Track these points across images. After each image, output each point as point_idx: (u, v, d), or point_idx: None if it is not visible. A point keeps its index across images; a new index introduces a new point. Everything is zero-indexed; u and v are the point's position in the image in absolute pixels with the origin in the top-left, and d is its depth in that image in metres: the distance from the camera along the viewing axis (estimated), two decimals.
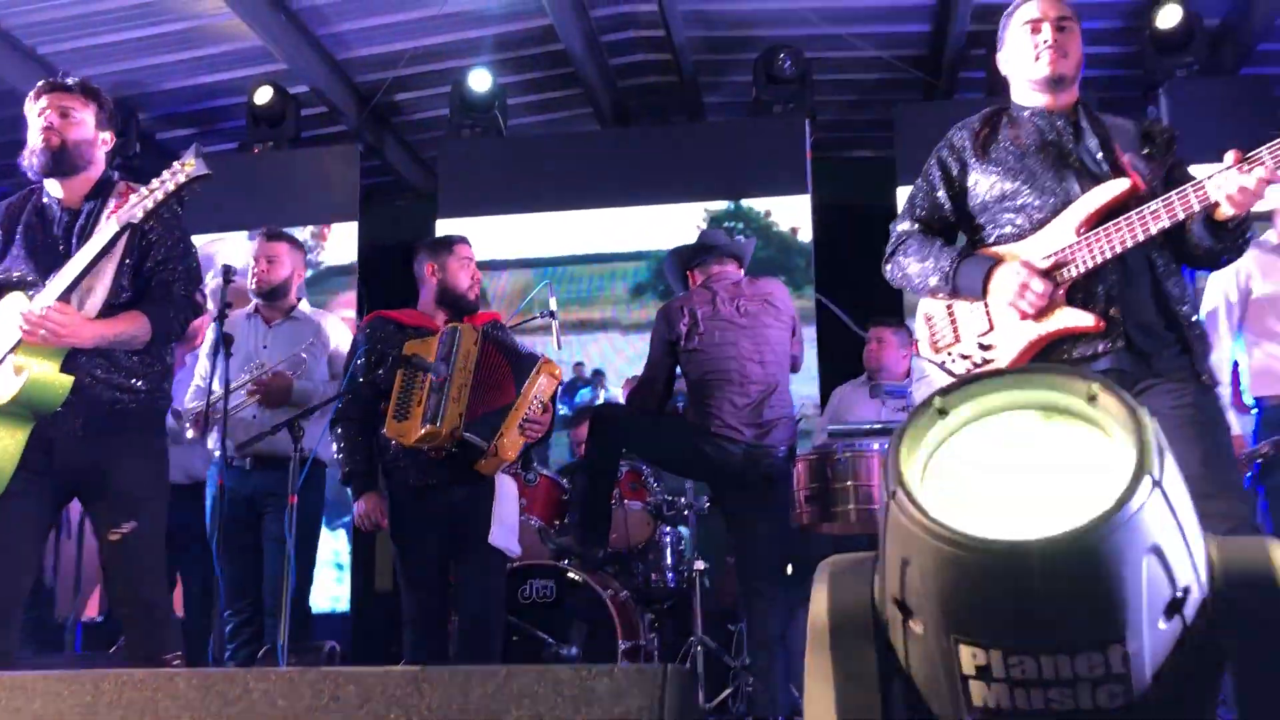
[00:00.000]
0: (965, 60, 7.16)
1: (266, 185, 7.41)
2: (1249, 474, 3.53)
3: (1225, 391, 3.65)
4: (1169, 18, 6.77)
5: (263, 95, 7.36)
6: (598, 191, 7.40)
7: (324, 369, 4.42)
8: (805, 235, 7.11)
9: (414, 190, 8.72)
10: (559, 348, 4.52)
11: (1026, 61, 2.67)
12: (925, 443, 1.32)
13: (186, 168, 2.77)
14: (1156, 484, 1.21)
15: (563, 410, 6.67)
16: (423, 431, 3.47)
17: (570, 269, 7.33)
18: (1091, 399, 1.31)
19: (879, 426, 4.41)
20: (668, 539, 4.87)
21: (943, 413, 1.33)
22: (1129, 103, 7.32)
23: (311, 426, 3.82)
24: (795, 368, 4.32)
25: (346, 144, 7.86)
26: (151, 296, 2.94)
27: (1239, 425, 3.62)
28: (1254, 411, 3.68)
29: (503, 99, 7.55)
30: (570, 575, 4.41)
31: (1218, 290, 3.78)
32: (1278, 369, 3.63)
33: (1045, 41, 2.64)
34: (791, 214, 7.17)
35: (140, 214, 2.76)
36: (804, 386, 6.41)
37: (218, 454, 4.03)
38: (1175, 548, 1.24)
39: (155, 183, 2.79)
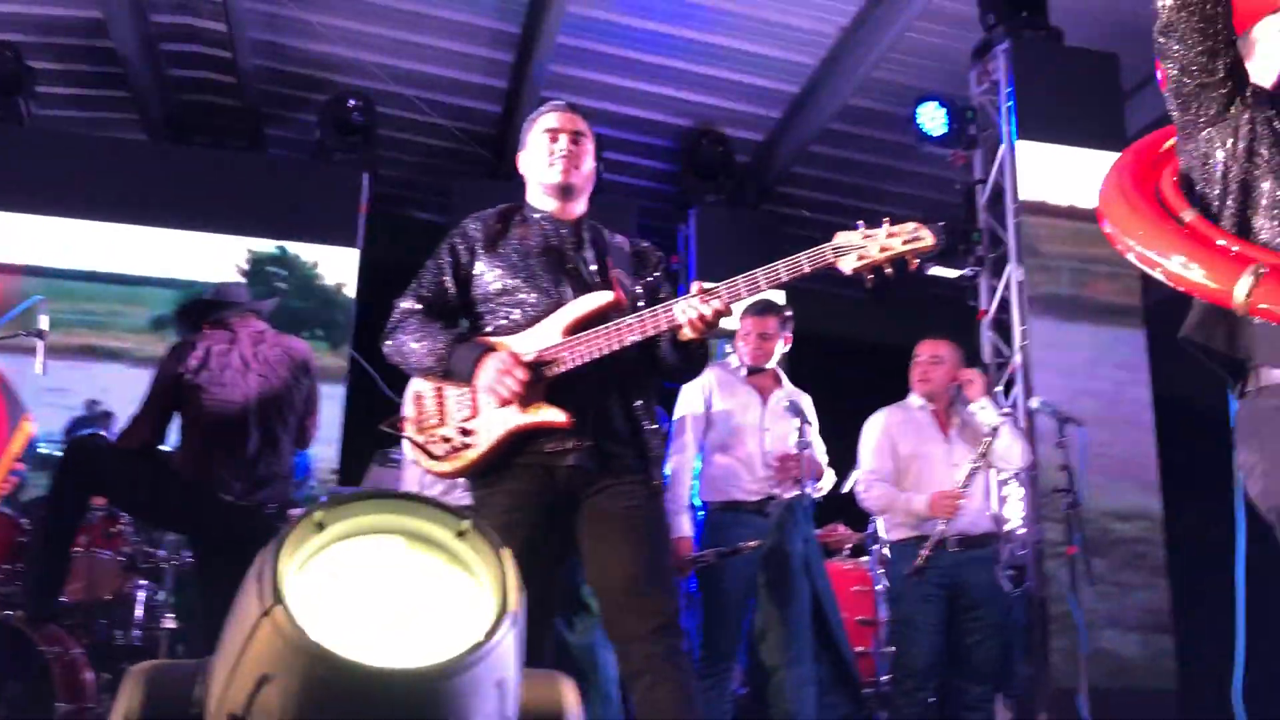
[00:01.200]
0: None
1: None
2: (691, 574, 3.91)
3: (685, 495, 4.01)
4: (716, 150, 7.54)
5: None
6: (131, 205, 6.80)
7: None
8: (351, 292, 6.99)
9: None
10: (43, 372, 4.06)
11: (542, 166, 2.82)
12: (300, 557, 1.29)
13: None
14: (514, 623, 1.27)
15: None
16: None
17: (83, 286, 6.65)
18: (460, 534, 1.35)
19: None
20: (140, 593, 4.47)
21: (320, 526, 1.30)
22: (664, 216, 8.02)
23: None
24: (305, 443, 4.21)
25: None
26: None
27: (689, 528, 3.98)
28: (700, 515, 4.06)
29: (30, 84, 6.78)
30: (9, 629, 3.90)
31: (686, 402, 4.17)
32: (722, 479, 4.05)
33: (561, 151, 2.80)
34: (340, 268, 7.02)
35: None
36: (323, 449, 6.24)
37: None
38: (513, 681, 1.31)
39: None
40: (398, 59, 7.11)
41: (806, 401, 4.27)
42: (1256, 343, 2.17)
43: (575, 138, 2.83)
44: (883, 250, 2.49)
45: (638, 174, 8.10)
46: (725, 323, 2.68)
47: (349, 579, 1.30)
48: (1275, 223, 2.16)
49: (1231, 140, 2.24)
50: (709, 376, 4.16)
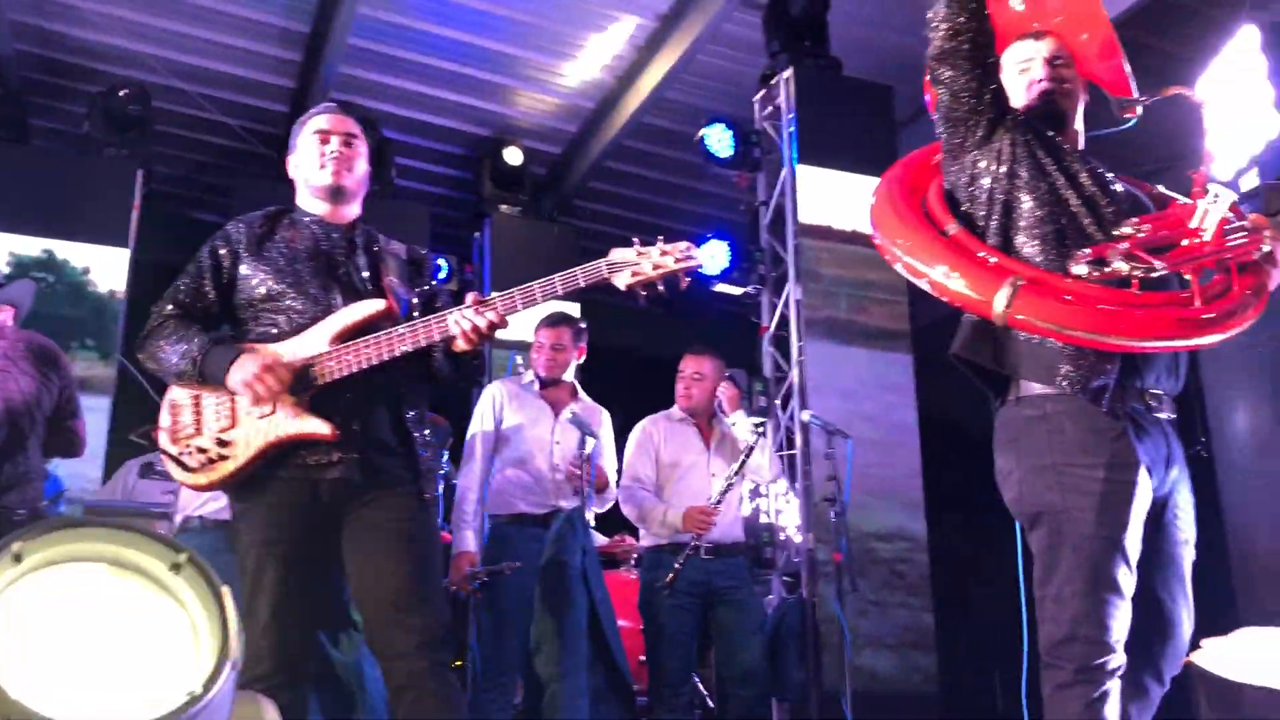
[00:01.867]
0: None
1: None
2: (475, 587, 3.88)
3: (471, 510, 3.98)
4: (511, 157, 7.53)
5: None
6: None
7: None
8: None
9: None
10: None
11: (312, 169, 2.74)
12: None
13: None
14: (234, 669, 1.23)
15: None
16: None
17: None
18: (175, 568, 1.29)
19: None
20: None
21: (18, 559, 1.21)
22: (459, 224, 7.96)
23: None
24: (74, 449, 3.97)
25: None
26: None
27: (474, 543, 3.95)
28: (486, 528, 4.05)
29: None
30: None
31: (477, 417, 4.15)
32: (509, 492, 4.04)
33: (332, 153, 2.73)
34: (113, 274, 6.61)
35: None
36: (87, 466, 5.85)
37: None
38: None
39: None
40: (180, 53, 6.79)
41: (603, 417, 4.33)
42: (1019, 357, 2.32)
43: (347, 140, 2.77)
44: (656, 268, 2.54)
45: (433, 181, 8.01)
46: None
47: (49, 615, 1.22)
48: (1035, 239, 2.33)
49: (995, 163, 2.42)
50: (500, 390, 4.17)
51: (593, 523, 4.28)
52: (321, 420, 2.50)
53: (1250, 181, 4.51)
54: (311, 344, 2.55)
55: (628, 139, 7.37)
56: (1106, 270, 2.17)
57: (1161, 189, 2.52)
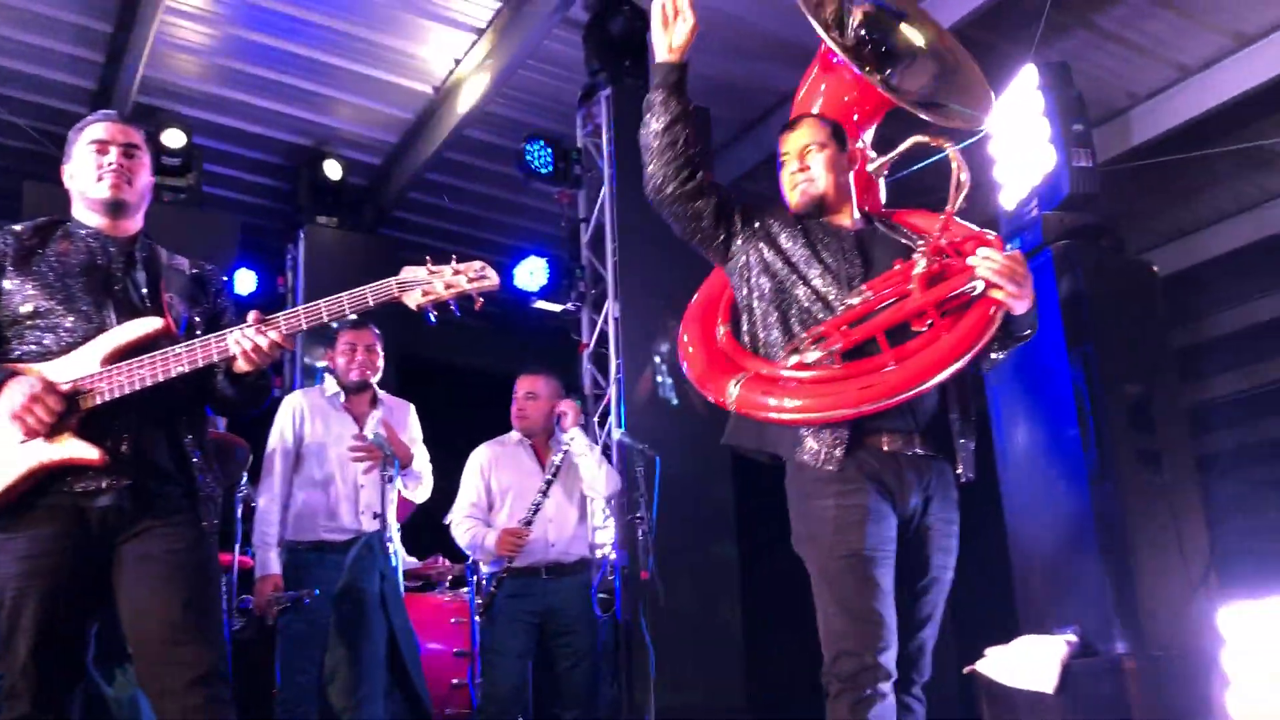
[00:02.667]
0: None
1: None
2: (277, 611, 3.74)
3: (273, 531, 3.84)
4: (331, 168, 7.32)
5: None
6: None
7: None
8: None
9: None
10: None
11: (89, 180, 2.61)
12: None
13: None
14: None
15: None
16: None
17: None
18: None
19: None
20: None
21: None
22: (272, 235, 7.71)
23: None
24: None
25: None
26: None
27: (277, 565, 3.82)
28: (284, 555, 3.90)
29: None
30: None
31: (275, 433, 4.01)
32: (309, 516, 3.91)
33: (110, 164, 2.61)
34: None
35: None
36: None
37: None
38: None
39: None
40: None
41: (410, 412, 4.25)
42: (777, 436, 2.58)
43: (128, 150, 2.65)
44: (448, 287, 2.52)
45: (245, 190, 7.73)
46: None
47: None
48: (771, 335, 2.61)
49: (738, 276, 2.71)
50: (300, 403, 4.03)
51: (399, 546, 4.19)
52: (89, 445, 2.37)
53: (1032, 211, 4.79)
54: (81, 364, 2.42)
55: (449, 151, 7.28)
56: (808, 360, 2.49)
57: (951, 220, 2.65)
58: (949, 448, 2.59)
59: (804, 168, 2.72)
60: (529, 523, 4.14)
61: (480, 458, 4.40)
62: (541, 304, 6.32)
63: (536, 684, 4.59)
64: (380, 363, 4.14)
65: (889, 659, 2.37)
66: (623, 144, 6.10)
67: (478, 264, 2.56)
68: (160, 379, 2.43)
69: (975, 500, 2.78)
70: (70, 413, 2.38)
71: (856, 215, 2.75)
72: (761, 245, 2.66)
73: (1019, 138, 4.83)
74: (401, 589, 3.95)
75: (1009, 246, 2.96)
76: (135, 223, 2.69)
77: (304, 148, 7.40)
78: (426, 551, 5.26)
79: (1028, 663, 4.08)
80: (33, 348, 2.46)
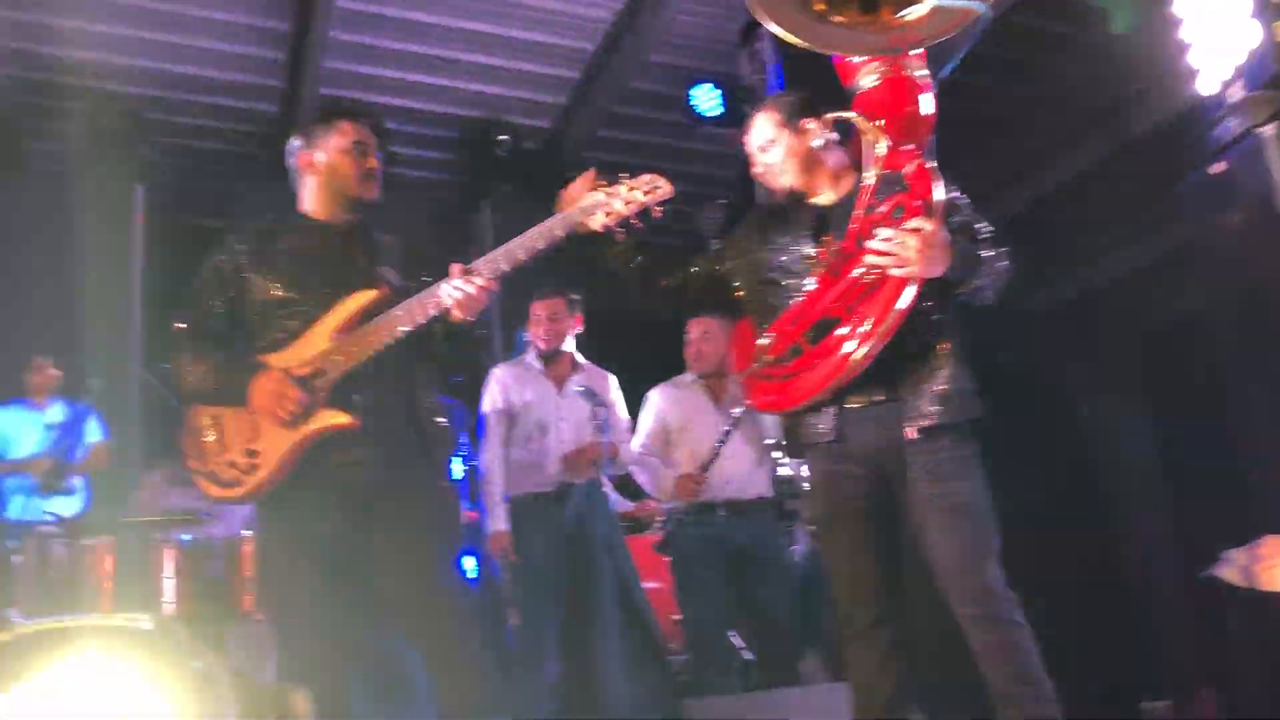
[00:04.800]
0: None
1: None
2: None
3: (497, 489, 4.06)
4: (504, 135, 7.52)
5: None
6: None
7: None
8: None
9: None
10: None
11: (350, 179, 2.79)
12: None
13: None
14: None
15: None
16: None
17: None
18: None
19: None
20: None
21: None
22: (457, 208, 7.98)
23: None
24: None
25: None
26: None
27: (505, 521, 4.03)
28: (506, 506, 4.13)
29: None
30: None
31: (488, 399, 4.23)
32: (521, 472, 4.12)
33: (373, 169, 2.80)
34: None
35: None
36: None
37: None
38: None
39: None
40: (164, 62, 6.81)
41: (610, 382, 4.39)
42: None
43: (379, 153, 2.84)
44: (627, 203, 2.62)
45: (426, 167, 8.02)
46: None
47: None
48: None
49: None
50: (505, 373, 4.24)
51: (611, 490, 4.35)
52: (340, 412, 2.57)
53: (1238, 93, 4.50)
54: (316, 342, 2.62)
55: (617, 106, 7.37)
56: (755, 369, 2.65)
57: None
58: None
59: (761, 160, 2.76)
60: (706, 467, 4.20)
61: (656, 399, 4.48)
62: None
63: (735, 620, 4.68)
64: (569, 328, 4.26)
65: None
66: (791, 76, 6.03)
67: (647, 176, 2.66)
68: (388, 341, 2.61)
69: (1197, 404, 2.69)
70: (317, 387, 2.59)
71: (840, 186, 2.70)
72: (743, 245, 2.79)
73: (1216, 16, 4.53)
74: (621, 531, 4.12)
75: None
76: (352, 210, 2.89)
77: (478, 119, 7.62)
78: (638, 495, 5.43)
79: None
80: (280, 335, 2.68)
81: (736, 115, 6.38)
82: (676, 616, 4.72)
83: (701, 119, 6.33)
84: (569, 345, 4.31)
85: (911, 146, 2.49)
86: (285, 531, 2.62)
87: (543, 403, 4.16)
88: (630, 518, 5.26)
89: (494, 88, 7.39)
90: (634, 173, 2.76)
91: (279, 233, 2.82)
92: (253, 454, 2.58)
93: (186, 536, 4.28)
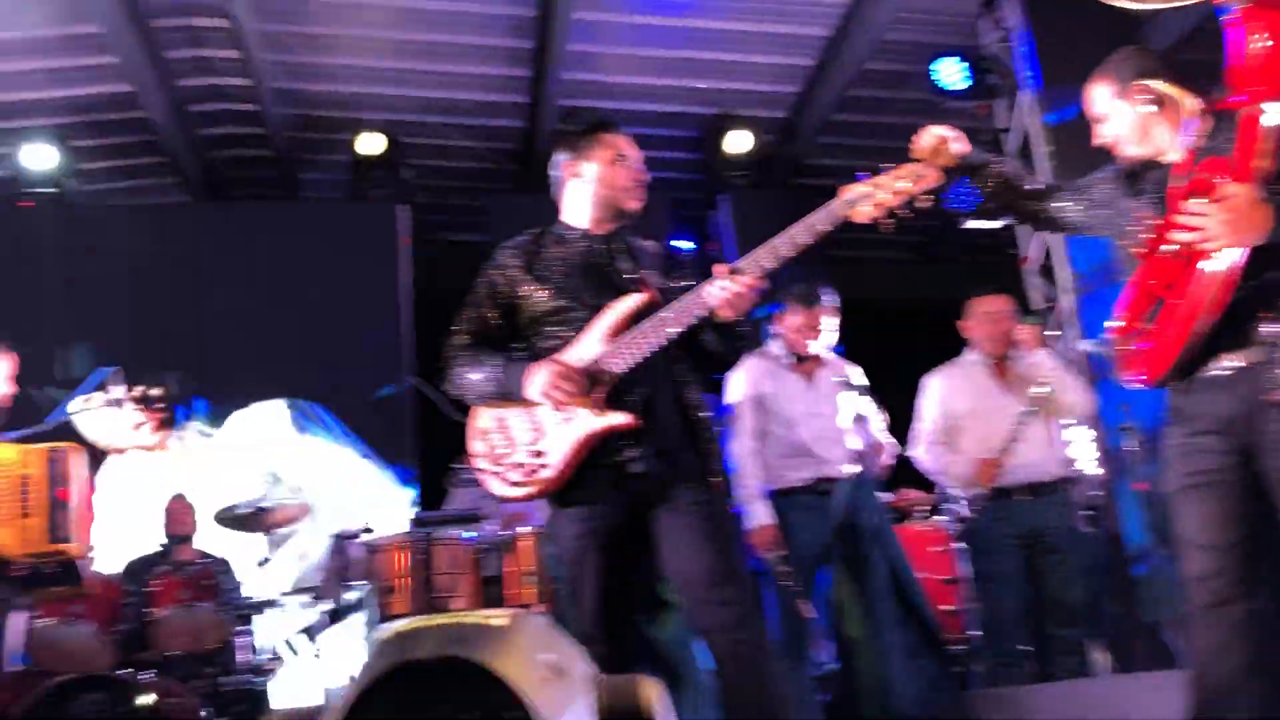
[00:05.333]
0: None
1: None
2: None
3: (754, 483, 4.06)
4: (737, 129, 7.54)
5: None
6: (182, 267, 7.01)
7: None
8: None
9: None
10: None
11: (618, 189, 2.87)
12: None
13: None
14: None
15: None
16: None
17: None
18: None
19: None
20: (243, 639, 4.64)
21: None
22: (696, 206, 8.07)
23: None
24: None
25: None
26: None
27: (768, 515, 4.03)
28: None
29: (74, 164, 7.01)
30: (124, 684, 4.08)
31: (735, 391, 4.22)
32: (776, 467, 4.06)
33: (639, 181, 2.89)
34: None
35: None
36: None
37: None
38: None
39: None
40: (418, 89, 7.24)
41: (855, 373, 4.32)
42: None
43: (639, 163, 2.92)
44: (896, 193, 2.56)
45: (664, 167, 8.14)
46: None
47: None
48: None
49: None
50: (754, 366, 4.23)
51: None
52: (620, 412, 2.64)
53: None
54: (590, 346, 2.71)
55: (854, 89, 7.26)
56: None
57: None
58: None
59: (1104, 139, 2.64)
60: (1004, 451, 4.07)
61: (937, 384, 4.37)
62: (974, 224, 6.14)
63: (1030, 605, 4.50)
64: (826, 327, 4.21)
65: None
66: (1043, 41, 5.76)
67: (913, 165, 2.58)
68: (660, 343, 2.66)
69: None
70: (595, 389, 2.67)
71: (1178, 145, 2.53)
72: None
73: None
74: (889, 522, 4.06)
75: None
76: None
77: (711, 116, 7.68)
78: (894, 485, 5.32)
79: None
80: (554, 342, 2.78)
81: (983, 87, 6.16)
82: (948, 607, 4.61)
83: (945, 94, 6.14)
84: (821, 350, 4.26)
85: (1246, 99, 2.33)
86: (572, 528, 2.72)
87: (793, 397, 4.12)
88: (891, 508, 5.16)
89: (727, 83, 7.43)
90: (873, 157, 2.71)
91: (545, 243, 2.93)
92: (539, 454, 2.68)
93: (467, 535, 4.56)
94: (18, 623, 4.13)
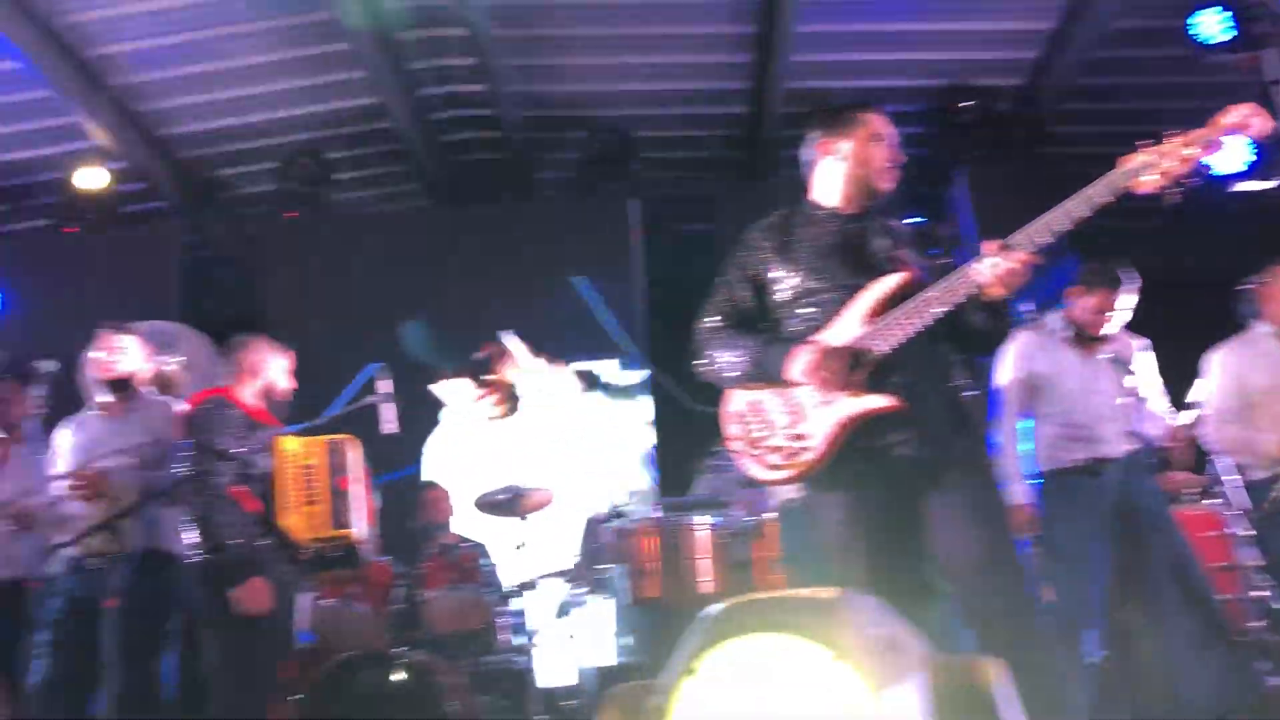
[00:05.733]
0: (781, 141, 7.59)
1: (83, 264, 7.16)
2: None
3: (1015, 462, 3.89)
4: (974, 103, 7.27)
5: (82, 172, 7.15)
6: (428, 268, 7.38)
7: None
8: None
9: (237, 267, 8.51)
10: (398, 429, 4.42)
11: (876, 170, 2.83)
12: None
13: None
14: None
15: None
16: None
17: None
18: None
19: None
20: (504, 620, 4.85)
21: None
22: (929, 182, 7.81)
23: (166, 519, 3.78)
24: None
25: (167, 221, 7.70)
26: None
27: (1027, 495, 3.86)
28: (1037, 481, 3.91)
29: (328, 175, 7.51)
30: (402, 661, 4.34)
31: (1005, 369, 4.06)
32: (1049, 445, 3.90)
33: (895, 161, 2.84)
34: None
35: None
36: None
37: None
38: None
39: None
40: (645, 82, 7.34)
41: (1138, 346, 4.09)
42: None
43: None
44: (1183, 160, 2.39)
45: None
46: None
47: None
48: None
49: None
50: (1027, 342, 4.05)
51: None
52: (882, 395, 2.59)
53: None
54: (848, 328, 2.66)
55: (1098, 50, 6.84)
56: None
57: None
58: None
59: None
60: None
61: (1226, 359, 4.11)
62: (1245, 185, 5.68)
63: None
64: (1122, 309, 3.99)
65: None
66: None
67: (1201, 130, 2.41)
68: (925, 323, 2.59)
69: None
70: (855, 371, 2.63)
71: None
72: None
73: None
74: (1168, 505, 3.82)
75: None
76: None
77: (944, 88, 7.42)
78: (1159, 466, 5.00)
79: None
80: (805, 325, 2.75)
81: (1248, 37, 5.69)
82: (1226, 596, 4.30)
83: (1206, 48, 5.70)
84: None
85: None
86: (835, 513, 2.68)
87: (1068, 371, 3.92)
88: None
89: (958, 53, 7.17)
90: (1125, 122, 2.54)
91: (795, 223, 2.90)
92: (799, 437, 2.66)
93: (715, 519, 4.59)
94: (304, 603, 4.46)
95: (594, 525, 4.86)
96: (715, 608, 1.40)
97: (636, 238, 7.36)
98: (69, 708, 4.01)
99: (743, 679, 1.33)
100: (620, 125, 7.33)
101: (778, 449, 2.69)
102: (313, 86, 7.13)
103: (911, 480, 2.62)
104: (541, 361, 6.23)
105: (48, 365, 4.23)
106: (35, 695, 4.05)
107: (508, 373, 5.87)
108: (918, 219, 2.98)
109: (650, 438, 6.93)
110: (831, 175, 2.86)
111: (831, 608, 1.35)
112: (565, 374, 6.46)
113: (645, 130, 7.58)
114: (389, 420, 4.30)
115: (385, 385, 4.41)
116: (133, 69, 6.72)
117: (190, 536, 3.69)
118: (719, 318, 2.88)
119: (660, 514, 4.58)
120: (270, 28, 6.54)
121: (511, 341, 6.25)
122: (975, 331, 2.69)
